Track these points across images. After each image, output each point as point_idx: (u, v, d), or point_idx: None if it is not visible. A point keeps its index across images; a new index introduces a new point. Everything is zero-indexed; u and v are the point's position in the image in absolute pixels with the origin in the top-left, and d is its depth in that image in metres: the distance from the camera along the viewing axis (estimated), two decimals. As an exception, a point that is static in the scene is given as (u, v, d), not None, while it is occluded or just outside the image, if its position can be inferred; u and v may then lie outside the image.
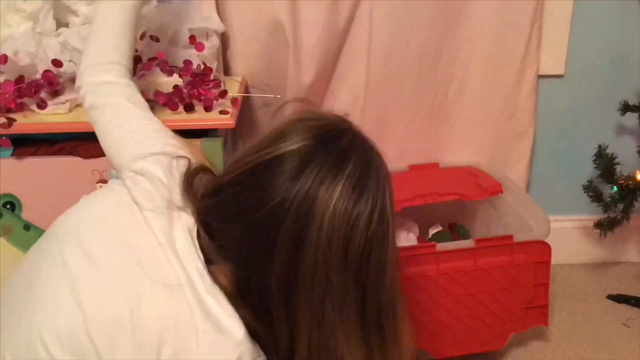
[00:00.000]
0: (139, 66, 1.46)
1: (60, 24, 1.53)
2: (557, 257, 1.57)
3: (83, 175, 1.38)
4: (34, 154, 1.38)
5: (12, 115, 1.35)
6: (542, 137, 1.97)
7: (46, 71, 1.40)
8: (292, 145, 0.84)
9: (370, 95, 1.79)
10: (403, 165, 1.88)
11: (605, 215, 1.84)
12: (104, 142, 1.06)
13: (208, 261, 0.85)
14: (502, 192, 1.71)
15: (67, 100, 1.41)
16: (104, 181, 1.39)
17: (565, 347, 1.73)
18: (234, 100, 1.46)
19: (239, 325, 0.82)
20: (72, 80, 1.44)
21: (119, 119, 1.07)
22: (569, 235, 2.05)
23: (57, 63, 1.41)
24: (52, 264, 0.89)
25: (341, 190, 0.80)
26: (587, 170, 1.89)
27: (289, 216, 0.79)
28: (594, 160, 1.83)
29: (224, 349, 0.81)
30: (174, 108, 1.40)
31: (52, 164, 1.38)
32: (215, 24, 1.63)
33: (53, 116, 1.38)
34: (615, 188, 1.81)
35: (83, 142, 1.38)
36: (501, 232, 1.63)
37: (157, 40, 1.52)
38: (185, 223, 0.88)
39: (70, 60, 1.44)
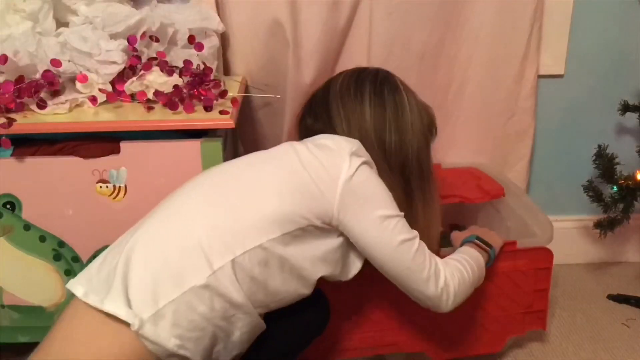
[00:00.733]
0: (138, 66, 1.46)
1: (60, 23, 1.53)
2: (557, 257, 1.57)
3: (83, 175, 1.37)
4: (34, 154, 1.38)
5: (12, 115, 1.34)
6: (542, 137, 1.98)
7: (46, 71, 1.40)
8: None
9: (370, 95, 1.79)
10: (403, 165, 1.87)
11: (605, 215, 1.84)
12: None
13: None
14: (504, 195, 1.71)
15: (66, 100, 1.40)
16: (104, 181, 1.38)
17: (565, 347, 1.73)
18: (233, 100, 1.46)
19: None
20: (72, 80, 1.44)
21: None
22: (569, 235, 2.05)
23: (56, 63, 1.41)
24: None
25: None
26: (587, 170, 1.89)
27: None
28: (594, 160, 1.84)
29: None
30: (174, 108, 1.39)
31: (52, 164, 1.37)
32: (215, 23, 1.63)
33: (53, 116, 1.38)
34: (615, 188, 1.81)
35: (83, 142, 1.38)
36: (503, 236, 1.63)
37: (157, 40, 1.52)
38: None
39: (69, 60, 1.44)
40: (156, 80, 1.43)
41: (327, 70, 1.76)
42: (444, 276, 1.23)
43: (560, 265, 1.99)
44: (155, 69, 1.44)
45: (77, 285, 1.06)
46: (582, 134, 1.98)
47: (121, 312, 1.01)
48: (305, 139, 1.26)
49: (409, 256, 1.19)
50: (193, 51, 1.55)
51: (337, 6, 1.69)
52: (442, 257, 1.28)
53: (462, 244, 1.41)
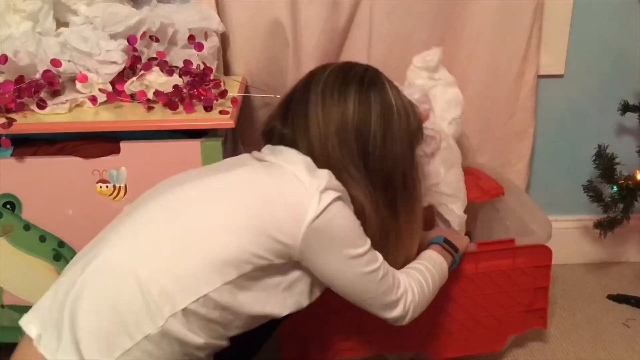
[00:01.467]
0: (138, 66, 1.46)
1: (60, 23, 1.53)
2: (557, 257, 1.57)
3: (83, 175, 1.37)
4: (34, 154, 1.38)
5: (12, 115, 1.34)
6: (542, 137, 1.98)
7: (46, 71, 1.40)
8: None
9: (370, 95, 1.79)
10: (403, 165, 1.87)
11: (605, 215, 1.84)
12: None
13: None
14: (503, 194, 1.71)
15: (67, 100, 1.40)
16: (104, 181, 1.38)
17: (565, 348, 1.73)
18: (233, 100, 1.46)
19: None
20: (72, 80, 1.44)
21: None
22: (569, 235, 2.05)
23: (56, 63, 1.41)
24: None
25: None
26: (587, 170, 1.89)
27: None
28: (594, 160, 1.83)
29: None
30: (174, 108, 1.39)
31: (52, 164, 1.37)
32: (215, 23, 1.63)
33: (53, 116, 1.38)
34: (615, 188, 1.81)
35: (83, 142, 1.38)
36: (503, 235, 1.63)
37: (157, 40, 1.52)
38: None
39: (69, 60, 1.44)
40: (156, 80, 1.43)
41: (327, 70, 1.76)
42: (407, 297, 1.20)
43: (560, 265, 1.99)
44: (155, 69, 1.44)
45: (30, 325, 1.02)
46: (582, 134, 1.98)
47: None
48: (270, 155, 1.17)
49: (373, 286, 1.15)
50: (193, 51, 1.55)
51: (337, 6, 1.69)
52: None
53: (428, 245, 1.37)
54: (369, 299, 1.17)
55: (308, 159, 1.13)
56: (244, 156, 1.23)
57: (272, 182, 1.09)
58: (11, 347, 1.09)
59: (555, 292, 1.93)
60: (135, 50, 1.47)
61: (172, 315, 1.00)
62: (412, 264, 1.28)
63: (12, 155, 1.37)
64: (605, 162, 1.81)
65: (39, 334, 1.01)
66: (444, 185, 1.52)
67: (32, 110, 1.39)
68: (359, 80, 1.17)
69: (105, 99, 1.44)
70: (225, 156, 1.42)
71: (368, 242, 1.13)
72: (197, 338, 1.03)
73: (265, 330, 1.20)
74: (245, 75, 1.76)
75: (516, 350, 1.71)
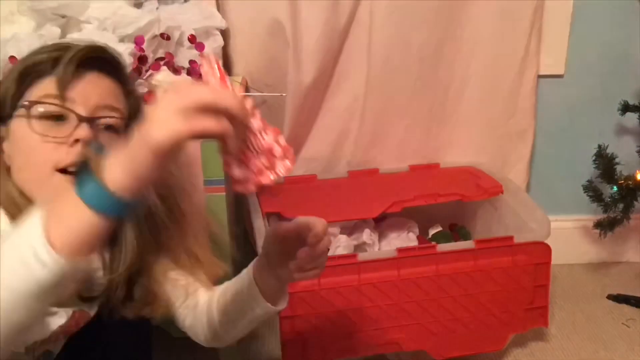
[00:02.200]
0: (144, 67, 1.46)
1: (64, 34, 1.53)
2: (557, 257, 1.57)
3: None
4: (34, 154, 1.37)
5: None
6: (542, 137, 1.98)
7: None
8: None
9: (370, 95, 1.79)
10: (403, 165, 1.88)
11: (605, 215, 1.84)
12: None
13: None
14: (502, 192, 1.71)
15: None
16: (104, 181, 1.38)
17: (565, 347, 1.73)
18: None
19: None
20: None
21: None
22: (569, 235, 2.05)
23: None
24: None
25: None
26: (587, 170, 1.89)
27: None
28: (594, 160, 1.83)
29: None
30: None
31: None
32: (218, 21, 1.63)
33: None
34: (615, 188, 1.81)
35: (83, 142, 1.38)
36: (502, 233, 1.63)
37: (169, 38, 1.52)
38: None
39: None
40: (165, 79, 1.43)
41: (327, 70, 1.76)
42: None
43: (560, 265, 1.99)
44: (164, 68, 1.44)
45: None
46: (582, 134, 1.98)
47: None
48: None
49: None
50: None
51: (337, 6, 1.69)
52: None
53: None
54: None
55: None
56: None
57: None
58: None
59: (555, 292, 1.93)
60: (142, 50, 1.47)
61: None
62: None
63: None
64: (605, 162, 1.81)
65: None
66: None
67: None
68: None
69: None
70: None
71: None
72: None
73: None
74: (245, 75, 1.76)
75: (516, 349, 1.71)
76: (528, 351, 1.71)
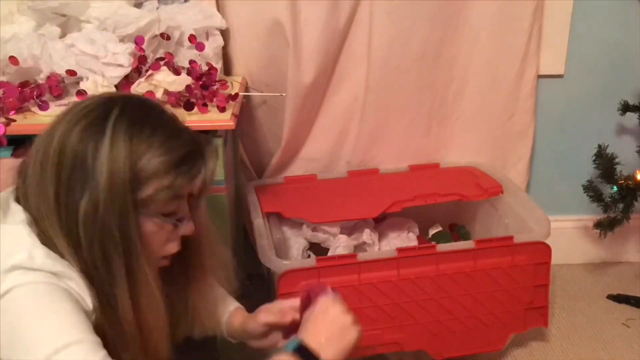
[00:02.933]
0: (144, 67, 1.46)
1: (64, 33, 1.53)
2: (557, 257, 1.58)
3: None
4: (34, 154, 1.37)
5: (12, 116, 1.34)
6: (542, 137, 1.98)
7: (50, 77, 1.40)
8: None
9: (370, 95, 1.79)
10: (403, 165, 1.88)
11: (605, 215, 1.84)
12: None
13: None
14: (502, 192, 1.71)
15: (69, 103, 1.40)
16: (104, 181, 1.38)
17: (565, 347, 1.73)
18: (234, 99, 1.46)
19: None
20: (76, 83, 1.44)
21: None
22: (569, 235, 2.05)
23: (71, 73, 1.41)
24: None
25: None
26: (587, 170, 1.89)
27: None
28: (594, 160, 1.84)
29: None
30: (189, 109, 1.40)
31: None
32: (218, 21, 1.64)
33: (53, 117, 1.37)
34: (615, 188, 1.81)
35: (83, 142, 1.38)
36: (501, 233, 1.63)
37: (169, 38, 1.52)
38: None
39: (76, 63, 1.44)
40: (165, 79, 1.43)
41: (327, 70, 1.76)
42: None
43: (560, 265, 1.99)
44: (164, 68, 1.44)
45: None
46: (582, 134, 1.98)
47: None
48: None
49: None
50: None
51: (337, 6, 1.69)
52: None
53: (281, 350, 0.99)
54: None
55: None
56: None
57: None
58: None
59: (555, 292, 1.93)
60: (142, 50, 1.47)
61: None
62: None
63: (12, 155, 1.36)
64: (605, 162, 1.81)
65: None
66: None
67: (33, 112, 1.39)
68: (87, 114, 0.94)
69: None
70: (225, 156, 1.42)
71: (77, 339, 0.83)
72: None
73: None
74: (245, 75, 1.76)
75: (516, 349, 1.71)
76: (527, 350, 1.72)
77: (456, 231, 1.89)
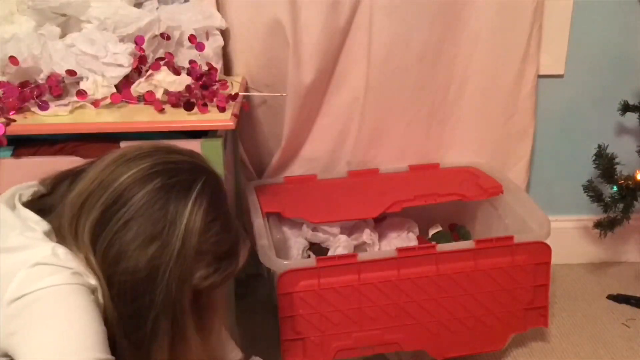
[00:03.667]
0: (143, 67, 1.46)
1: (64, 33, 1.53)
2: (557, 257, 1.58)
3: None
4: (34, 154, 1.37)
5: (12, 116, 1.34)
6: (542, 137, 1.98)
7: (50, 76, 1.40)
8: None
9: (370, 95, 1.79)
10: (403, 165, 1.88)
11: (605, 215, 1.84)
12: None
13: None
14: (502, 192, 1.71)
15: (69, 102, 1.40)
16: (104, 181, 1.38)
17: (565, 348, 1.73)
18: (234, 99, 1.46)
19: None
20: (76, 82, 1.44)
21: None
22: (569, 235, 2.05)
23: (71, 73, 1.41)
24: None
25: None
26: (587, 170, 1.89)
27: None
28: (594, 160, 1.83)
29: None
30: (189, 109, 1.40)
31: (52, 164, 1.35)
32: (218, 21, 1.64)
33: (54, 117, 1.38)
34: (615, 188, 1.81)
35: (83, 143, 1.38)
36: (501, 233, 1.63)
37: (169, 38, 1.52)
38: None
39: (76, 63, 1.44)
40: (165, 79, 1.43)
41: (327, 70, 1.76)
42: None
43: (560, 265, 1.99)
44: (164, 68, 1.44)
45: None
46: (582, 134, 1.98)
47: None
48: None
49: None
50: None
51: (337, 6, 1.69)
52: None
53: None
54: None
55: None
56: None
57: None
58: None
59: (556, 292, 1.93)
60: (142, 50, 1.47)
61: None
62: None
63: (12, 155, 1.36)
64: (605, 162, 1.81)
65: None
66: None
67: (33, 112, 1.39)
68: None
69: (109, 102, 1.44)
70: (225, 155, 1.42)
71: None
72: None
73: None
74: (245, 75, 1.76)
75: (516, 349, 1.71)
76: (528, 350, 1.72)
77: (456, 231, 1.89)
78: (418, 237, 1.81)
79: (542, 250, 1.54)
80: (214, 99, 1.42)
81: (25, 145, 1.38)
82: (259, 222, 1.57)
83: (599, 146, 1.83)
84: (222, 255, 0.95)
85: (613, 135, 1.98)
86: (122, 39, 1.48)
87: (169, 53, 1.50)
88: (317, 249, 1.73)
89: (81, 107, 1.42)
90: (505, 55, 1.82)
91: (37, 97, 1.37)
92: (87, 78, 1.43)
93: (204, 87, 1.44)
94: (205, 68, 1.53)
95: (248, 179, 1.87)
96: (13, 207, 0.94)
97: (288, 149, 1.83)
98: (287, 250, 1.69)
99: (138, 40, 1.46)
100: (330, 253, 1.69)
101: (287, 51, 1.70)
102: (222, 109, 1.40)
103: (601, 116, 1.96)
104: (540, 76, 1.89)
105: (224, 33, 1.69)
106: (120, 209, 0.88)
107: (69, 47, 1.45)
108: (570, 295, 1.96)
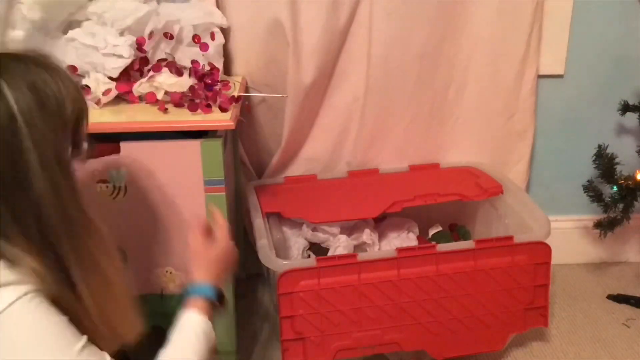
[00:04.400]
0: (145, 68, 1.46)
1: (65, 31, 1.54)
2: (557, 257, 1.57)
3: (83, 175, 1.37)
4: (33, 154, 1.37)
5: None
6: (542, 137, 1.98)
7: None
8: None
9: (370, 95, 1.79)
10: (403, 165, 1.88)
11: (605, 215, 1.84)
12: None
13: None
14: (502, 192, 1.71)
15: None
16: (104, 181, 1.38)
17: (565, 348, 1.73)
18: (234, 100, 1.46)
19: None
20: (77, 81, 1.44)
21: None
22: (569, 235, 2.05)
23: (73, 69, 1.41)
24: None
25: None
26: (587, 170, 1.89)
27: None
28: (594, 160, 1.83)
29: None
30: (193, 109, 1.40)
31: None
32: (219, 18, 1.64)
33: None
34: (615, 188, 1.81)
35: (83, 143, 1.38)
36: (501, 233, 1.63)
37: (172, 37, 1.52)
38: None
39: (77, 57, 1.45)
40: (166, 81, 1.43)
41: (327, 70, 1.76)
42: None
43: (560, 265, 1.99)
44: (165, 69, 1.45)
45: None
46: (582, 134, 1.98)
47: None
48: None
49: None
50: (198, 48, 1.56)
51: (337, 6, 1.69)
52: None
53: (187, 294, 1.09)
54: None
55: None
56: None
57: None
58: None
59: (555, 292, 1.93)
60: (143, 51, 1.47)
61: None
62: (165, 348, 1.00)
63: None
64: (605, 162, 1.81)
65: None
66: None
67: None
68: None
69: (110, 98, 1.44)
70: (225, 155, 1.43)
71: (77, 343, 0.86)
72: None
73: None
74: (245, 75, 1.76)
75: (516, 349, 1.71)
76: (527, 350, 1.72)
77: (456, 231, 1.89)
78: (418, 237, 1.82)
79: (542, 250, 1.54)
80: (217, 100, 1.43)
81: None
82: (259, 222, 1.57)
83: (599, 146, 1.83)
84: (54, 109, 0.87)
85: (613, 135, 1.98)
86: (121, 33, 1.48)
87: (171, 55, 1.51)
88: (317, 249, 1.73)
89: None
90: (505, 55, 1.82)
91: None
92: (89, 75, 1.43)
93: (207, 87, 1.44)
94: (207, 68, 1.53)
95: (248, 179, 1.87)
96: None
97: (288, 149, 1.83)
98: (287, 250, 1.69)
99: (139, 41, 1.46)
100: (330, 253, 1.69)
101: (287, 51, 1.70)
102: (225, 110, 1.40)
103: (601, 116, 1.96)
104: (540, 76, 1.89)
105: (224, 33, 1.69)
106: None
107: (70, 41, 1.45)
108: (570, 295, 1.96)
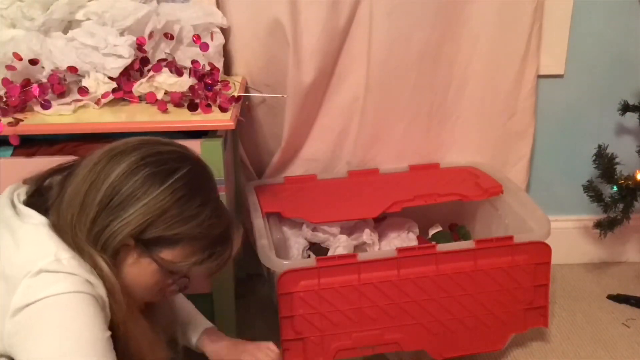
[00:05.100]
0: (146, 68, 1.46)
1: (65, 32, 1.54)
2: (557, 257, 1.57)
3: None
4: (34, 154, 1.38)
5: (16, 115, 1.35)
6: (542, 137, 1.98)
7: (52, 74, 1.40)
8: None
9: (370, 95, 1.79)
10: (403, 165, 1.88)
11: (605, 215, 1.84)
12: None
13: None
14: (502, 192, 1.71)
15: (72, 102, 1.41)
16: (104, 181, 1.38)
17: (565, 348, 1.73)
18: (234, 101, 1.47)
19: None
20: (77, 81, 1.44)
21: None
22: (569, 235, 2.05)
23: (72, 69, 1.41)
24: None
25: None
26: (587, 170, 1.89)
27: None
28: (594, 160, 1.84)
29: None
30: (193, 109, 1.40)
31: (52, 164, 1.36)
32: (219, 18, 1.64)
33: (57, 117, 1.38)
34: (615, 188, 1.81)
35: (83, 143, 1.38)
36: (501, 233, 1.63)
37: (172, 38, 1.52)
38: None
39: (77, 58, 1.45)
40: (166, 81, 1.43)
41: (327, 70, 1.76)
42: None
43: (560, 265, 1.99)
44: (165, 69, 1.45)
45: None
46: (582, 134, 1.98)
47: None
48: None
49: None
50: (198, 48, 1.56)
51: (337, 6, 1.69)
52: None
53: None
54: None
55: None
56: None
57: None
58: None
59: (555, 292, 1.93)
60: (143, 51, 1.47)
61: None
62: None
63: (12, 155, 1.37)
64: (605, 162, 1.81)
65: None
66: None
67: (36, 111, 1.39)
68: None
69: (110, 99, 1.44)
70: (225, 155, 1.42)
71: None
72: None
73: None
74: (245, 75, 1.76)
75: (516, 349, 1.71)
76: (527, 350, 1.72)
77: (456, 231, 1.89)
78: (418, 237, 1.81)
79: (542, 250, 1.54)
80: (217, 100, 1.43)
81: (24, 145, 1.38)
82: (259, 222, 1.57)
83: (599, 146, 1.83)
84: (216, 239, 0.98)
85: (613, 135, 1.98)
86: (121, 33, 1.48)
87: (171, 55, 1.51)
88: (317, 249, 1.73)
89: (84, 106, 1.43)
90: (505, 55, 1.82)
91: (39, 96, 1.37)
92: (89, 75, 1.43)
93: (207, 87, 1.44)
94: (207, 68, 1.53)
95: (248, 179, 1.87)
96: (13, 206, 0.96)
97: (288, 149, 1.83)
98: (287, 250, 1.69)
99: (140, 40, 1.47)
100: (330, 253, 1.69)
101: (287, 51, 1.70)
102: (225, 110, 1.40)
103: (601, 116, 1.96)
104: (540, 76, 1.89)
105: (224, 33, 1.69)
106: (111, 202, 0.92)
107: (70, 41, 1.45)
108: (570, 295, 1.96)
